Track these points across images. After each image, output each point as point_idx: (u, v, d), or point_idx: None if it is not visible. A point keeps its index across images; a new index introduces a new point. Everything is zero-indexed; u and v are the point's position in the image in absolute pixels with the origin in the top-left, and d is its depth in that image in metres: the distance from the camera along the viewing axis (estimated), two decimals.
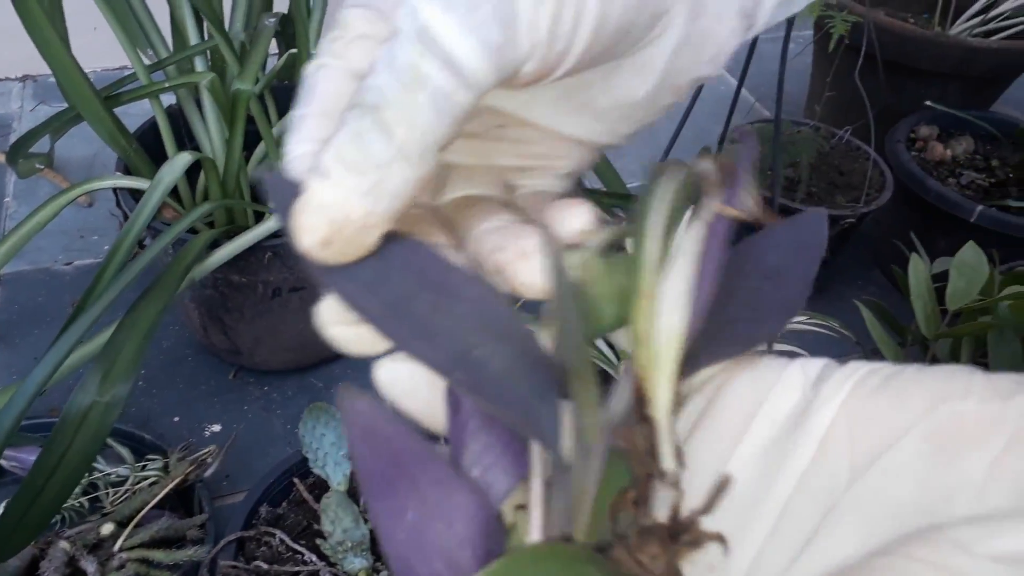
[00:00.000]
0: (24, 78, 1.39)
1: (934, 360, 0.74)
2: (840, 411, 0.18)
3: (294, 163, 0.21)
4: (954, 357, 0.73)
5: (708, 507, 0.19)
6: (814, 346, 0.84)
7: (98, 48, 1.21)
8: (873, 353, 0.80)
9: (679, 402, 0.20)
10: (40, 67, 1.39)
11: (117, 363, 0.61)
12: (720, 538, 0.19)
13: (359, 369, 0.97)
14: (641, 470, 0.19)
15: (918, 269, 0.75)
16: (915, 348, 0.76)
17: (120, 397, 0.60)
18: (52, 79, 1.40)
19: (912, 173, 1.06)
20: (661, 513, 0.19)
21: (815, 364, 0.20)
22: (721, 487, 0.19)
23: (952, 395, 0.17)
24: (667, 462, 0.19)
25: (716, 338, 0.20)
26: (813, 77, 1.35)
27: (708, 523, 0.19)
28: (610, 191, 1.13)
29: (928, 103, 1.10)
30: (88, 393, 0.59)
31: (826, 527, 0.18)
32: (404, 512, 0.18)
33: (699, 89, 1.06)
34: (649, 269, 0.20)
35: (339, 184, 0.19)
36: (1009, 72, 1.22)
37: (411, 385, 0.22)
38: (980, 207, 1.01)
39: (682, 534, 0.19)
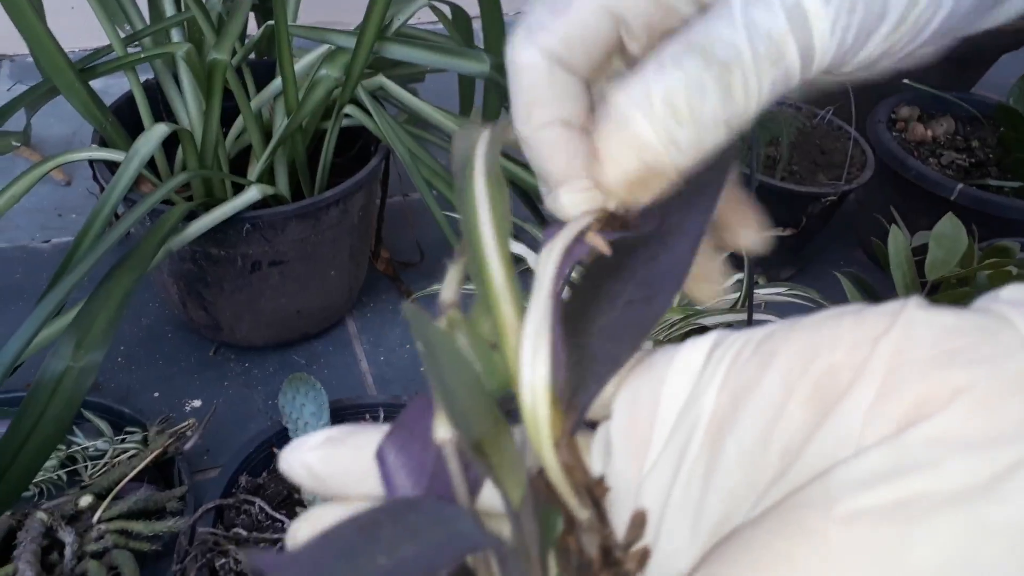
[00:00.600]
0: (1, 58, 1.37)
1: None
2: (721, 391, 0.18)
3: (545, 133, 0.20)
4: None
5: (630, 542, 0.19)
6: (797, 313, 0.84)
7: (76, 27, 1.19)
8: None
9: (571, 446, 0.19)
10: (18, 47, 1.37)
11: (92, 330, 0.61)
12: (646, 554, 0.18)
13: (340, 345, 0.96)
14: (565, 516, 0.19)
15: (897, 239, 0.75)
16: None
17: (94, 363, 0.60)
18: (30, 59, 1.38)
19: (893, 152, 1.07)
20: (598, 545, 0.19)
21: (702, 343, 0.19)
22: (637, 522, 0.18)
23: (822, 348, 0.17)
24: (577, 510, 0.19)
25: (600, 353, 0.19)
26: None
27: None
28: None
29: (906, 81, 1.10)
30: (62, 359, 0.59)
31: (730, 516, 0.17)
32: None
33: None
34: (500, 318, 0.18)
35: (663, 129, 0.18)
36: (988, 54, 1.23)
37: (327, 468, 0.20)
38: (960, 186, 1.02)
39: (615, 565, 0.18)
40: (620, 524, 0.19)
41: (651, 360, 0.19)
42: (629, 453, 0.19)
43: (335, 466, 0.20)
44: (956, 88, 1.20)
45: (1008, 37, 1.17)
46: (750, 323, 0.67)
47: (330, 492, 0.20)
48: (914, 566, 0.13)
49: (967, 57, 1.21)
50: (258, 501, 0.64)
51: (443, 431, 0.18)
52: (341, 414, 0.73)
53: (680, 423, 0.18)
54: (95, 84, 0.82)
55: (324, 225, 0.84)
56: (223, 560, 0.60)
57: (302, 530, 0.20)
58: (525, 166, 0.98)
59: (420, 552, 0.15)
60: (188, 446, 0.78)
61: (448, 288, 0.20)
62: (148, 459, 0.75)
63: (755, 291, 0.76)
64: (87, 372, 0.59)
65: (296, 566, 0.14)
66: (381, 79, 0.89)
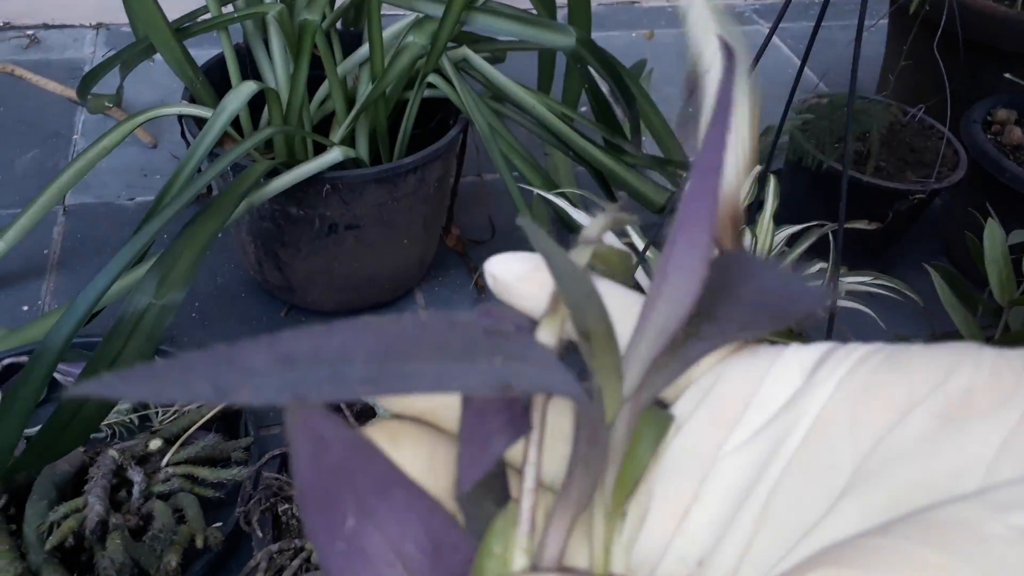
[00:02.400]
0: (98, 26, 1.42)
1: (1006, 329, 0.71)
2: (839, 390, 0.17)
3: None
4: None
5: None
6: (880, 310, 0.81)
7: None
8: (942, 322, 0.77)
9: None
10: (113, 16, 1.42)
11: (174, 270, 0.62)
12: None
13: None
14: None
15: (994, 234, 0.72)
16: (986, 317, 0.73)
17: (175, 302, 0.61)
18: (124, 28, 1.43)
19: (988, 154, 1.02)
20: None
21: (814, 349, 0.18)
22: None
23: (961, 369, 0.16)
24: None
25: (710, 324, 0.19)
26: (887, 53, 1.32)
27: (699, 516, 0.18)
28: (670, 158, 1.11)
29: (1008, 76, 1.05)
30: (145, 294, 0.60)
31: (822, 522, 0.16)
32: (342, 520, 0.16)
33: (761, 70, 1.04)
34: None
35: None
36: None
37: (521, 274, 0.20)
38: None
39: None
40: (676, 485, 0.19)
41: (754, 350, 0.19)
42: (710, 424, 0.19)
43: (527, 284, 0.20)
44: None
45: None
46: (833, 312, 0.65)
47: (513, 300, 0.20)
48: None
49: None
50: None
51: (547, 332, 0.18)
52: None
53: (783, 413, 0.18)
54: (188, 42, 0.84)
55: (401, 192, 0.84)
56: (286, 506, 0.60)
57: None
58: (601, 147, 0.97)
59: (471, 369, 0.14)
60: None
61: (593, 227, 0.20)
62: (216, 408, 0.76)
63: (841, 279, 0.74)
64: (168, 309, 0.60)
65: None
66: (465, 51, 0.89)
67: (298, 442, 0.15)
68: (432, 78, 0.86)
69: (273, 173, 0.78)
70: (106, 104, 1.13)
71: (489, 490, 0.19)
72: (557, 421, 0.19)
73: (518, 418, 0.17)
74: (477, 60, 0.90)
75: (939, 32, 1.03)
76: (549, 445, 0.18)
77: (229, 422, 0.79)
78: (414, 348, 0.14)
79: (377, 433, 0.20)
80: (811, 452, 0.17)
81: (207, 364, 0.12)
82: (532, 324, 0.19)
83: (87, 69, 1.33)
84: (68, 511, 0.66)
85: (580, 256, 0.19)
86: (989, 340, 0.70)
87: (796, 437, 0.17)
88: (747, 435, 0.18)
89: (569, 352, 0.19)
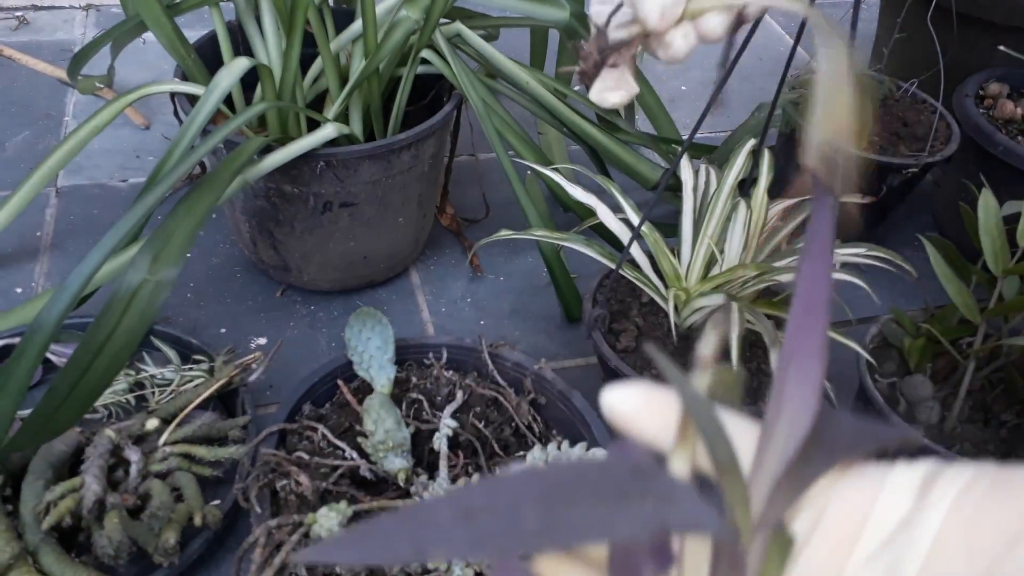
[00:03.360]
0: (87, 7, 1.41)
1: (1000, 299, 0.71)
2: (951, 516, 0.18)
3: None
4: (1022, 295, 0.70)
5: None
6: (874, 283, 0.81)
7: None
8: (935, 295, 0.78)
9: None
10: None
11: (168, 246, 0.62)
12: None
13: (403, 295, 0.97)
14: None
15: (988, 204, 0.72)
16: (980, 288, 0.73)
17: (170, 278, 0.61)
18: (114, 9, 1.42)
19: (980, 127, 1.02)
20: None
21: (919, 468, 0.19)
22: None
23: None
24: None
25: (819, 449, 0.20)
26: (879, 28, 1.31)
27: None
28: (663, 136, 1.11)
29: (1002, 48, 1.05)
30: (139, 271, 0.60)
31: None
32: None
33: (751, 47, 1.03)
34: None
35: None
36: None
37: (638, 406, 0.22)
38: None
39: None
40: None
41: (862, 470, 0.20)
42: (831, 545, 0.20)
43: (649, 417, 0.21)
44: None
45: None
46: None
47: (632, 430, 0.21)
48: None
49: None
50: (321, 428, 0.65)
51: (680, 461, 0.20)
52: (404, 353, 0.73)
53: (899, 536, 0.19)
54: (180, 19, 0.83)
55: (395, 169, 0.84)
56: (284, 482, 0.61)
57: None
58: (594, 124, 0.97)
59: (611, 515, 0.15)
60: (253, 378, 0.79)
61: (707, 346, 0.21)
62: (214, 387, 0.76)
63: (835, 252, 0.74)
64: (162, 286, 0.60)
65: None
66: (458, 26, 0.88)
67: None
68: (426, 54, 0.86)
69: (267, 150, 0.77)
70: (97, 84, 1.12)
71: None
72: (694, 548, 0.20)
73: (661, 552, 0.18)
74: (471, 35, 0.89)
75: (932, 5, 1.03)
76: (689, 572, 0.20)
77: (226, 401, 0.79)
78: (574, 495, 0.15)
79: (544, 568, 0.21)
80: None
81: (403, 526, 0.14)
82: (660, 456, 0.20)
83: (77, 50, 1.32)
84: (65, 491, 0.66)
85: (702, 382, 0.21)
86: (983, 311, 0.70)
87: (915, 562, 0.18)
88: (865, 557, 0.19)
89: (699, 483, 0.20)
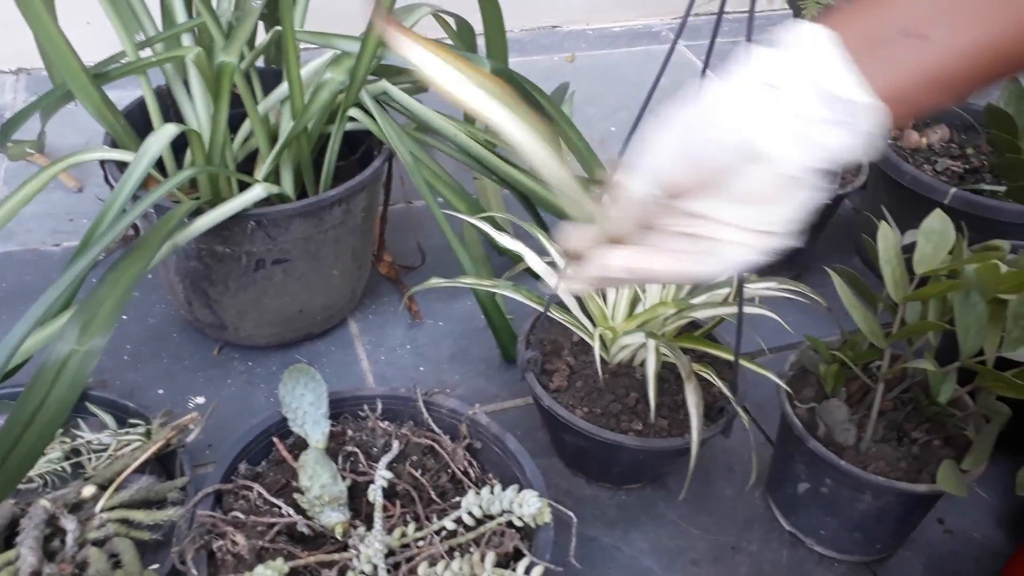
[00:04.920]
0: (18, 71, 1.41)
1: (903, 324, 0.75)
2: None
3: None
4: (922, 320, 0.74)
5: None
6: (791, 313, 0.85)
7: (91, 40, 1.23)
8: (848, 322, 0.82)
9: None
10: (34, 61, 1.41)
11: (97, 315, 0.63)
12: None
13: (342, 345, 0.98)
14: None
15: (887, 236, 0.77)
16: (886, 314, 0.77)
17: (98, 347, 0.61)
18: (45, 72, 1.42)
19: (887, 158, 1.08)
20: None
21: None
22: None
23: None
24: None
25: None
26: None
27: None
28: (592, 178, 1.15)
29: None
30: (67, 342, 0.60)
31: None
32: None
33: (675, 85, 1.08)
34: None
35: None
36: None
37: None
38: (954, 190, 1.03)
39: None
40: None
41: None
42: None
43: None
44: None
45: None
46: (740, 316, 0.69)
47: None
48: None
49: None
50: (256, 487, 0.66)
51: None
52: (339, 406, 0.75)
53: None
54: (109, 88, 0.84)
55: (327, 224, 0.86)
56: (220, 542, 0.61)
57: None
58: (524, 171, 1.00)
59: None
60: (190, 439, 0.79)
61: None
62: (151, 450, 0.76)
63: (746, 286, 0.77)
64: (91, 355, 0.60)
65: None
66: (385, 84, 0.91)
67: None
68: (353, 111, 0.88)
69: (198, 212, 0.79)
70: (27, 150, 1.12)
71: None
72: None
73: None
74: (397, 92, 0.92)
75: None
76: None
77: (164, 463, 0.79)
78: None
79: None
80: None
81: None
82: None
83: (7, 116, 1.31)
84: (0, 564, 0.66)
85: None
86: (887, 335, 0.74)
87: None
88: None
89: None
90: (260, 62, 1.00)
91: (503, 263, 1.04)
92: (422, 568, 0.61)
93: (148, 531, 0.72)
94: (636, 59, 1.69)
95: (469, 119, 1.14)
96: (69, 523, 0.70)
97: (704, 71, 0.85)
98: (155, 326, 0.97)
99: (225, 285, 0.87)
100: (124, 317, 0.97)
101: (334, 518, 0.65)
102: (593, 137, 1.23)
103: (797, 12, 1.06)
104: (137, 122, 0.89)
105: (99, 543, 0.70)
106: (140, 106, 0.93)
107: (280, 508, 0.65)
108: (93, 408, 0.81)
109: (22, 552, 0.66)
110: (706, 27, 1.72)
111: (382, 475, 0.67)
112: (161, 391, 0.89)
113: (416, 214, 1.16)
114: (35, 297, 0.98)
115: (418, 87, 1.08)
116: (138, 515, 0.72)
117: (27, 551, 0.66)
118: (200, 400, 0.89)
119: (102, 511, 0.72)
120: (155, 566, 0.69)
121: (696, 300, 0.77)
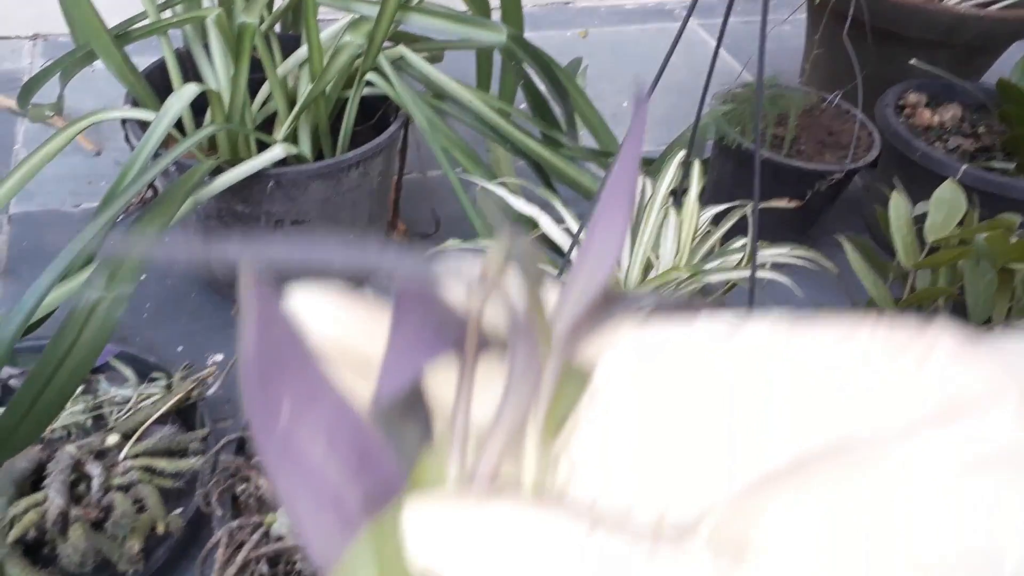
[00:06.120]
0: (35, 36, 1.42)
1: (912, 290, 0.76)
2: (745, 347, 0.18)
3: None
4: (933, 286, 0.75)
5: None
6: (801, 281, 0.87)
7: (112, 3, 1.24)
8: (858, 290, 0.83)
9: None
10: (50, 26, 1.42)
11: (124, 264, 0.64)
12: None
13: None
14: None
15: (899, 206, 0.78)
16: (897, 283, 0.78)
17: (125, 294, 0.63)
18: (62, 38, 1.43)
19: (900, 134, 1.09)
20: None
21: (723, 318, 0.19)
22: None
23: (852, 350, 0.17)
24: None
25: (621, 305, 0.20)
26: (806, 41, 1.38)
27: (616, 459, 0.19)
28: (604, 150, 1.16)
29: (914, 61, 1.12)
30: (96, 288, 0.62)
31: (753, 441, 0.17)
32: (276, 416, 0.16)
33: (688, 63, 1.09)
34: None
35: None
36: (997, 42, 1.25)
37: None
38: (965, 166, 1.04)
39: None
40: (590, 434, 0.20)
41: (667, 321, 0.20)
42: (628, 377, 0.19)
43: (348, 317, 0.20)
44: (965, 76, 1.22)
45: (1018, 24, 1.20)
46: (753, 279, 0.70)
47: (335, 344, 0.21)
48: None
49: (976, 45, 1.24)
50: None
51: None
52: None
53: (703, 361, 0.18)
54: (129, 48, 0.85)
55: (344, 187, 0.87)
56: (244, 486, 0.63)
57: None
58: (537, 140, 1.01)
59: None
60: (211, 392, 0.81)
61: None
62: (172, 402, 0.78)
63: (759, 251, 0.79)
64: (119, 301, 0.62)
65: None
66: (402, 49, 0.92)
67: (246, 312, 0.16)
68: (371, 76, 0.89)
69: (218, 172, 0.80)
70: (47, 113, 1.13)
71: (409, 415, 0.19)
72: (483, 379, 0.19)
73: (442, 343, 0.18)
74: (414, 58, 0.93)
75: (848, 21, 1.09)
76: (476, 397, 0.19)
77: (185, 417, 0.81)
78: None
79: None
80: (736, 396, 0.17)
81: (239, 244, 0.15)
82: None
83: (26, 80, 1.33)
84: (28, 505, 0.68)
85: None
86: (897, 301, 0.76)
87: (723, 385, 0.17)
88: (664, 385, 0.18)
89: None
90: (277, 28, 1.01)
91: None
92: None
93: (170, 479, 0.74)
94: (649, 36, 1.69)
95: (484, 87, 1.15)
96: (94, 469, 0.72)
97: (716, 50, 0.86)
98: (174, 286, 0.98)
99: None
100: (143, 277, 0.98)
101: None
102: (605, 112, 1.24)
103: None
104: (157, 83, 0.90)
105: (123, 489, 0.72)
106: (160, 68, 0.94)
107: None
108: (115, 362, 0.83)
109: (49, 495, 0.68)
110: (719, 6, 1.72)
111: None
112: (180, 348, 0.91)
113: (430, 184, 1.18)
114: (55, 256, 1.00)
115: (435, 56, 1.09)
116: (161, 463, 0.74)
117: (54, 494, 0.68)
118: (219, 357, 0.90)
119: (125, 459, 0.74)
120: (178, 511, 0.71)
121: (709, 265, 0.78)
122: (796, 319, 0.18)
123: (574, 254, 0.82)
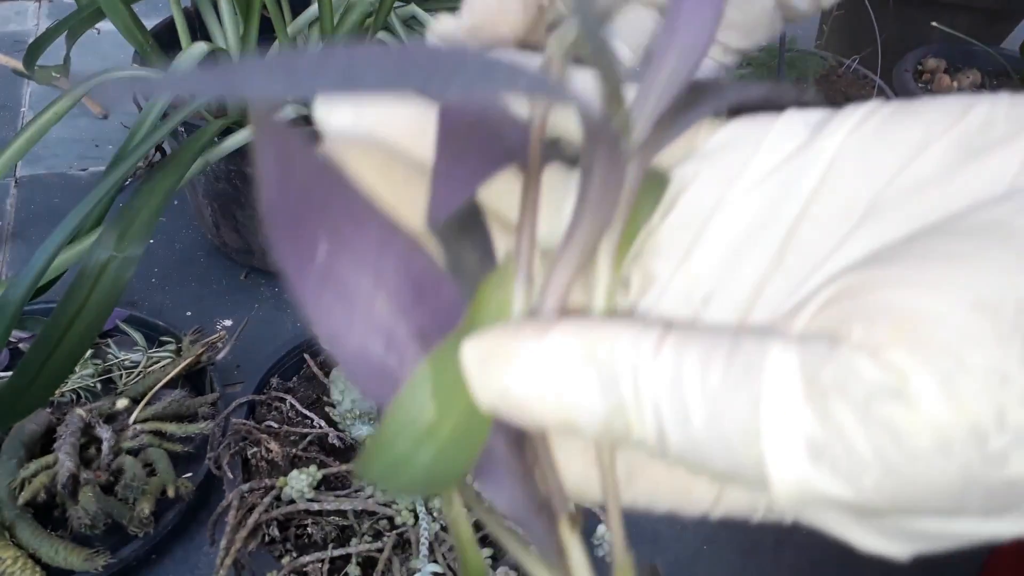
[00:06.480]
0: None
1: None
2: (850, 137, 0.17)
3: None
4: None
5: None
6: None
7: None
8: None
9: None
10: None
11: (134, 224, 0.63)
12: None
13: None
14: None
15: None
16: None
17: (135, 255, 0.62)
18: (67, 0, 1.41)
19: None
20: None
21: (817, 110, 0.18)
22: None
23: (978, 106, 0.16)
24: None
25: (706, 99, 0.18)
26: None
27: (703, 258, 0.18)
28: None
29: (934, 24, 1.10)
30: (106, 248, 0.61)
31: (840, 250, 0.16)
32: (313, 247, 0.15)
33: None
34: None
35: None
36: (1019, 6, 1.22)
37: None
38: None
39: None
40: (679, 234, 0.18)
41: (753, 117, 0.18)
42: (714, 179, 0.18)
43: (387, 116, 0.19)
44: (986, 41, 1.19)
45: None
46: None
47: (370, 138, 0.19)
48: None
49: (997, 10, 1.21)
50: (289, 398, 0.67)
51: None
52: None
53: (792, 160, 0.17)
54: (136, 5, 0.84)
55: None
56: (255, 449, 0.62)
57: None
58: None
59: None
60: (220, 356, 0.80)
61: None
62: (182, 366, 0.78)
63: None
64: (129, 261, 0.61)
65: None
66: (414, 7, 0.90)
67: (263, 158, 0.14)
68: (382, 35, 0.88)
69: (227, 133, 0.79)
70: (53, 75, 1.12)
71: (467, 233, 0.18)
72: (547, 190, 0.17)
73: (500, 152, 0.16)
74: (426, 17, 0.91)
75: None
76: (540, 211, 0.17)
77: (194, 381, 0.81)
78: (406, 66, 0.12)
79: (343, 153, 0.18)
80: (825, 193, 0.17)
81: (264, 68, 0.12)
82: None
83: (31, 41, 1.31)
84: (38, 468, 0.68)
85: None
86: None
87: (809, 180, 0.17)
88: (752, 182, 0.18)
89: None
90: None
91: None
92: None
93: (180, 443, 0.73)
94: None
95: None
96: (104, 432, 0.71)
97: None
98: (182, 250, 0.97)
99: (254, 209, 0.87)
100: (151, 241, 0.97)
101: (364, 431, 0.66)
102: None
103: None
104: (165, 43, 0.88)
105: (133, 453, 0.72)
106: (168, 27, 0.92)
107: (312, 420, 0.66)
108: (123, 326, 0.82)
109: (60, 457, 0.68)
110: None
111: None
112: (189, 313, 0.90)
113: None
114: (62, 219, 1.00)
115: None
116: (170, 427, 0.74)
117: (64, 456, 0.68)
118: (228, 323, 0.90)
119: (135, 423, 0.74)
120: (188, 475, 0.70)
121: None
122: (898, 106, 0.17)
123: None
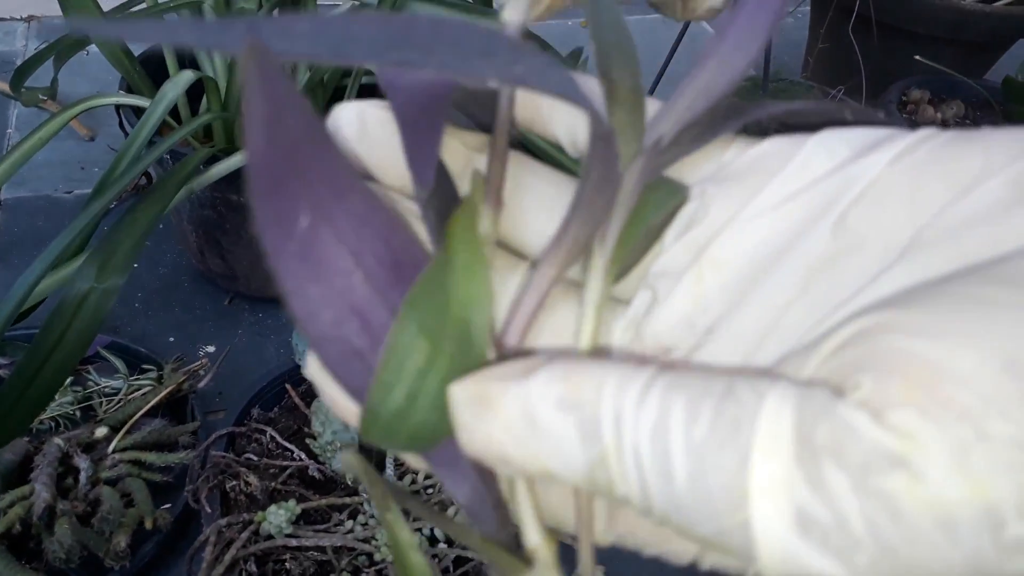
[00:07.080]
0: (29, 19, 1.40)
1: None
2: (897, 162, 0.15)
3: None
4: None
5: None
6: None
7: None
8: None
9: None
10: (44, 8, 1.40)
11: (115, 255, 0.63)
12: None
13: None
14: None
15: None
16: None
17: (116, 285, 0.62)
18: (56, 20, 1.41)
19: None
20: None
21: (862, 129, 0.16)
22: None
23: None
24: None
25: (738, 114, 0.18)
26: (810, 37, 1.37)
27: (712, 280, 0.17)
28: None
29: (918, 57, 1.11)
30: (86, 279, 0.61)
31: (874, 284, 0.15)
32: (294, 217, 0.14)
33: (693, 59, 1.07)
34: None
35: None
36: (1002, 39, 1.24)
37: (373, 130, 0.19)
38: None
39: None
40: (690, 251, 0.17)
41: (790, 135, 0.17)
42: (734, 194, 0.17)
43: (390, 132, 0.18)
44: (969, 73, 1.21)
45: (1023, 21, 1.18)
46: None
47: (372, 156, 0.19)
48: None
49: (980, 42, 1.22)
50: (269, 430, 0.66)
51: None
52: None
53: (826, 180, 0.16)
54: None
55: None
56: (233, 482, 0.62)
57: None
58: None
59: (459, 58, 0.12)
60: (202, 384, 0.80)
61: None
62: (163, 394, 0.77)
63: None
64: (110, 293, 0.61)
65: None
66: None
67: (253, 98, 0.13)
68: (370, 65, 0.88)
69: (213, 160, 0.79)
70: (40, 97, 1.11)
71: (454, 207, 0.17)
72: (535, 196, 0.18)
73: (449, 89, 0.16)
74: None
75: (853, 16, 1.08)
76: (531, 215, 0.18)
77: (175, 409, 0.80)
78: (427, 40, 0.13)
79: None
80: (863, 220, 0.15)
81: (309, 25, 0.13)
82: None
83: (18, 62, 1.31)
84: (14, 499, 0.67)
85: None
86: None
87: (843, 205, 0.15)
88: (774, 203, 0.16)
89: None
90: (276, 13, 1.00)
91: None
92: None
93: (159, 473, 0.73)
94: (651, 26, 1.67)
95: None
96: (82, 462, 0.71)
97: None
98: (166, 275, 0.97)
99: (238, 235, 0.87)
100: (136, 266, 0.97)
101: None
102: None
103: None
104: (152, 69, 0.88)
105: (111, 483, 0.71)
106: (156, 54, 0.92)
107: (292, 452, 0.66)
108: (104, 353, 0.82)
109: (36, 488, 0.67)
110: None
111: None
112: (172, 339, 0.90)
113: None
114: (47, 243, 0.99)
115: None
116: (150, 456, 0.73)
117: (41, 487, 0.67)
118: (211, 349, 0.89)
119: (114, 452, 0.73)
120: (167, 506, 0.70)
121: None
122: (956, 134, 0.15)
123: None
